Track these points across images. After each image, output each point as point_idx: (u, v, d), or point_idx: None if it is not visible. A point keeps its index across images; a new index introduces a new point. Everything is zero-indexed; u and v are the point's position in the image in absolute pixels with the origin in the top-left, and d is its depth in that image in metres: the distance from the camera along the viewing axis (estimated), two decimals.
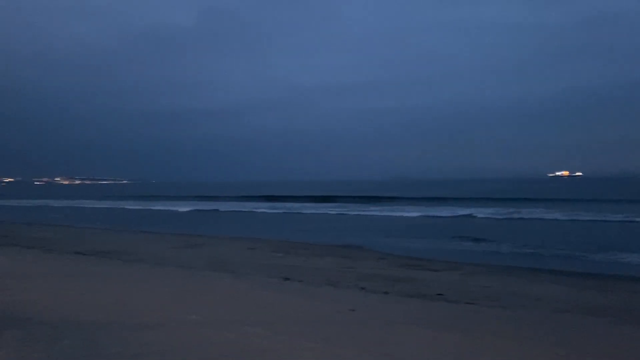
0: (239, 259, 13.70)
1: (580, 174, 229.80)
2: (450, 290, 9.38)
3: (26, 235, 19.77)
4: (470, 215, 31.73)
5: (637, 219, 26.13)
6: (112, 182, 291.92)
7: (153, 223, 29.56)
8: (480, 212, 32.52)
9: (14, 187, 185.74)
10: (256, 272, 11.15)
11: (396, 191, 71.92)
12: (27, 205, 52.37)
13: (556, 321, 6.86)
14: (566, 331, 6.19)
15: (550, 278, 11.34)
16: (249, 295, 7.77)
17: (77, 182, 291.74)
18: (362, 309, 6.97)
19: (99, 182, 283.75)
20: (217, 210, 42.95)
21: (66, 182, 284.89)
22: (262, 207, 43.80)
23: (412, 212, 34.52)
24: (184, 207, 44.92)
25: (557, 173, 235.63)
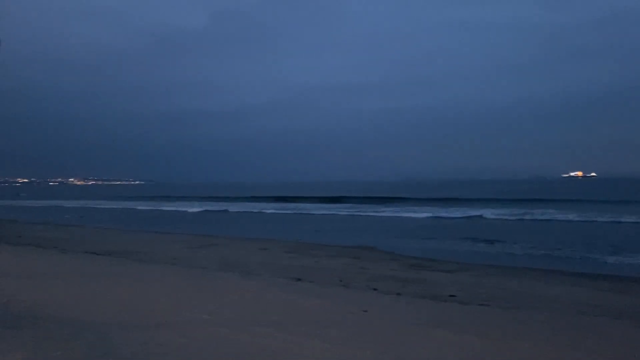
0: (251, 259, 13.74)
1: (595, 174, 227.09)
2: (463, 292, 9.32)
3: (40, 236, 20.02)
4: (480, 216, 31.50)
5: None
6: (124, 182, 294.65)
7: (164, 223, 29.77)
8: (491, 213, 32.26)
9: (28, 187, 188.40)
10: (268, 273, 11.18)
11: (405, 192, 71.64)
12: (41, 206, 53.07)
13: (572, 323, 6.77)
14: (582, 333, 6.11)
15: (565, 279, 11.21)
16: (261, 295, 7.79)
17: (90, 182, 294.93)
18: (374, 310, 6.95)
19: (111, 183, 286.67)
20: (227, 210, 43.14)
21: (79, 183, 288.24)
22: (272, 208, 43.89)
23: (422, 213, 34.35)
24: (194, 208, 45.19)
25: (571, 174, 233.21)
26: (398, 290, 9.36)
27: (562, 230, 23.24)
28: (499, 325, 6.36)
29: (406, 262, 13.65)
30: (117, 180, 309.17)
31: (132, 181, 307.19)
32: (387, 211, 37.51)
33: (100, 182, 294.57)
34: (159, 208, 46.99)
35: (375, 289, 9.35)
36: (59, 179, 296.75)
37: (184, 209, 44.42)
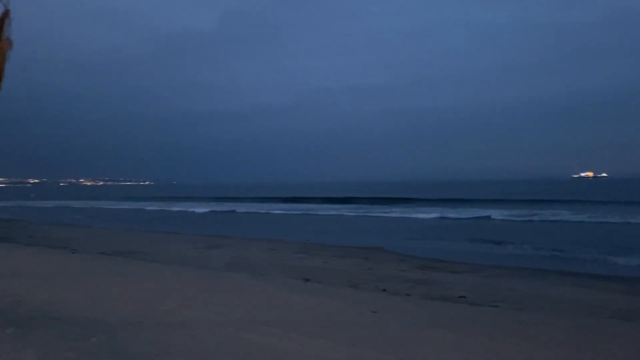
0: (259, 259, 13.77)
1: (605, 175, 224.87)
2: (472, 293, 9.27)
3: (51, 236, 20.22)
4: (489, 217, 31.31)
5: None
6: (134, 183, 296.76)
7: (173, 224, 29.94)
8: (500, 214, 32.06)
9: (39, 188, 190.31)
10: (277, 273, 11.19)
11: (413, 192, 71.40)
12: (51, 206, 53.58)
13: (582, 324, 6.71)
14: (592, 334, 6.05)
15: (574, 281, 11.11)
16: (269, 295, 7.80)
17: (100, 183, 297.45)
18: (383, 310, 6.93)
19: (121, 183, 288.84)
20: (234, 211, 43.28)
21: (89, 183, 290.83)
22: (279, 209, 43.98)
23: (430, 214, 34.20)
24: (201, 208, 45.40)
25: (582, 174, 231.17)
26: (407, 291, 9.33)
27: (572, 231, 23.03)
28: (509, 326, 6.31)
29: (415, 263, 13.60)
30: (127, 181, 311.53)
31: (141, 182, 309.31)
32: (395, 212, 37.41)
33: (110, 183, 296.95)
34: (168, 208, 47.27)
35: (384, 290, 9.33)
36: (70, 180, 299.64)
37: (192, 210, 44.65)
